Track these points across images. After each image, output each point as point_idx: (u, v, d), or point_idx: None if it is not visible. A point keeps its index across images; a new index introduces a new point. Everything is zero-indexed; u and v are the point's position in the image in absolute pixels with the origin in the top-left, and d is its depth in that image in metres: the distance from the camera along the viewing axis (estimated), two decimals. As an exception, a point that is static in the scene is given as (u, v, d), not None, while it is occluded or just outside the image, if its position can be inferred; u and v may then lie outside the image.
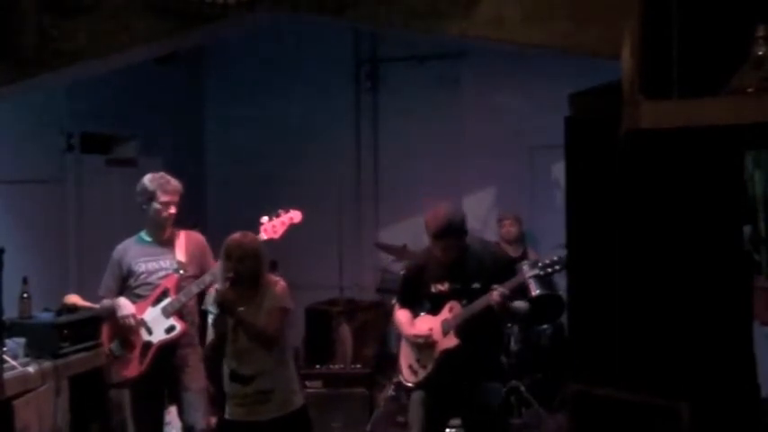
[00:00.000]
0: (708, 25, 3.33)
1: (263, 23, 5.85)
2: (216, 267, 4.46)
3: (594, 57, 4.46)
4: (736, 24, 3.23)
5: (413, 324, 4.38)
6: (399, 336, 4.65)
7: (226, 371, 3.99)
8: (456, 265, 4.21)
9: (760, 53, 3.05)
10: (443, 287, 4.24)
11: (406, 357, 4.43)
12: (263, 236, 4.34)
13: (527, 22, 4.57)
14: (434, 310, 4.30)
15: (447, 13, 4.71)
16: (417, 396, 4.32)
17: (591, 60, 4.55)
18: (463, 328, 4.14)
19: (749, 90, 3.04)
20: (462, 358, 4.16)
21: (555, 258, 4.18)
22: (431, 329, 4.25)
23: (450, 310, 4.20)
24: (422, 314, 4.40)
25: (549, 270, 4.19)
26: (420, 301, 4.42)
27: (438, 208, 4.20)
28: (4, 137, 6.14)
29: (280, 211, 4.47)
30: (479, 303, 4.10)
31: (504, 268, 4.22)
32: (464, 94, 7.71)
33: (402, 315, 4.44)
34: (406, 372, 4.41)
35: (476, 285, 4.15)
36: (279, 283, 4.00)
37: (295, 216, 4.48)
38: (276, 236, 4.39)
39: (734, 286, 3.79)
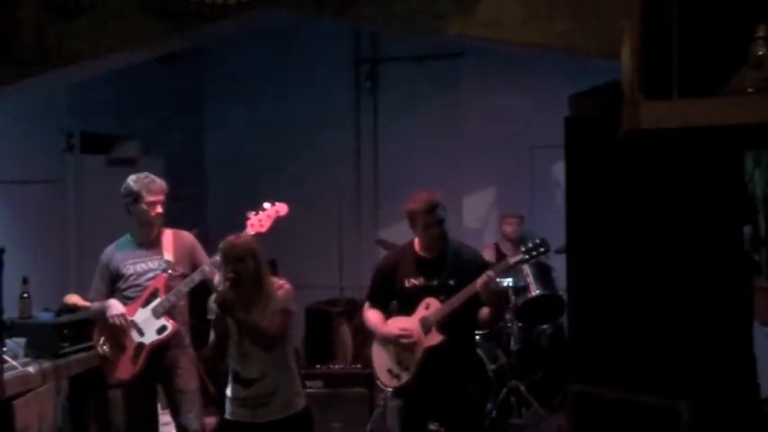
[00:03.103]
0: (708, 25, 3.34)
1: (263, 24, 5.85)
2: (205, 265, 4.46)
3: (594, 57, 4.46)
4: (736, 24, 3.24)
5: (386, 324, 4.22)
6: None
7: (229, 372, 3.98)
8: (433, 260, 4.13)
9: (760, 53, 3.05)
10: (417, 281, 4.13)
11: (381, 361, 4.23)
12: (250, 231, 4.30)
13: (527, 23, 4.57)
14: (406, 310, 4.17)
15: (447, 14, 4.71)
16: (396, 404, 4.20)
17: (591, 60, 4.56)
18: (445, 324, 4.04)
19: (749, 90, 3.05)
20: (445, 356, 4.04)
21: (537, 241, 4.13)
22: (408, 329, 4.11)
23: (427, 307, 4.08)
24: (396, 316, 4.24)
25: (534, 253, 4.13)
26: (390, 299, 4.29)
27: (413, 195, 4.18)
28: (4, 137, 6.13)
29: (265, 204, 4.42)
30: (461, 296, 3.99)
31: (479, 268, 4.12)
32: (464, 94, 7.71)
33: (373, 315, 4.27)
34: (384, 377, 4.21)
35: (451, 282, 4.06)
36: (283, 286, 3.98)
37: (281, 209, 4.42)
38: (263, 230, 4.35)
39: (734, 286, 3.79)
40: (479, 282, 3.96)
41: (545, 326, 6.46)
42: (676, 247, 3.86)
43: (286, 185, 7.69)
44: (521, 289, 6.22)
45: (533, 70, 6.87)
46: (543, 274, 6.27)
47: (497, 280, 4.15)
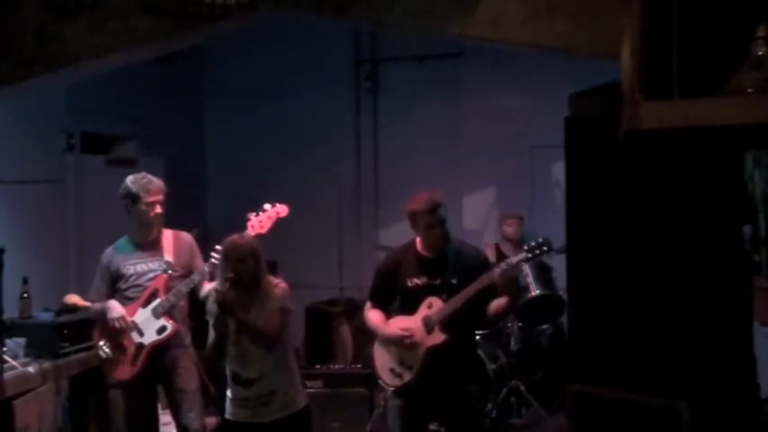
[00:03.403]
0: (708, 25, 3.34)
1: (263, 24, 5.85)
2: (205, 266, 4.47)
3: (594, 57, 4.46)
4: (736, 24, 3.24)
5: (388, 324, 4.21)
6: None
7: (228, 373, 3.98)
8: (435, 259, 4.13)
9: (760, 53, 3.06)
10: (420, 281, 4.12)
11: (383, 361, 4.23)
12: (251, 232, 4.30)
13: (527, 22, 4.57)
14: (408, 309, 4.16)
15: (447, 13, 4.71)
16: (396, 404, 4.20)
17: (591, 60, 4.56)
18: (447, 324, 4.04)
19: (749, 90, 3.05)
20: (447, 356, 4.04)
21: (540, 240, 4.13)
22: (410, 329, 4.11)
23: (430, 306, 4.08)
24: (398, 316, 4.23)
25: (537, 252, 4.13)
26: (392, 299, 4.28)
27: (414, 196, 4.17)
28: (4, 137, 6.14)
29: (265, 205, 4.42)
30: (464, 295, 3.99)
31: (481, 266, 4.11)
32: (464, 94, 7.71)
33: (375, 315, 4.27)
34: (386, 376, 4.21)
35: (454, 281, 4.06)
36: (279, 284, 3.99)
37: (281, 210, 4.42)
38: (263, 231, 4.34)
39: (734, 286, 3.79)
40: (497, 271, 3.97)
41: (545, 326, 6.45)
42: (676, 247, 3.86)
43: (286, 185, 7.69)
44: (521, 289, 6.22)
45: (533, 70, 6.87)
46: (543, 274, 6.27)
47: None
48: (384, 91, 8.15)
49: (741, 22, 3.20)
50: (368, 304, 4.36)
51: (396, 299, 4.28)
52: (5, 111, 6.01)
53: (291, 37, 7.91)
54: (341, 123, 8.22)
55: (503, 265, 4.02)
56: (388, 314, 4.28)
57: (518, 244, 6.77)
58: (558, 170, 5.63)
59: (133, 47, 5.19)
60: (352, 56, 8.23)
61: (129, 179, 4.59)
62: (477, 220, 7.56)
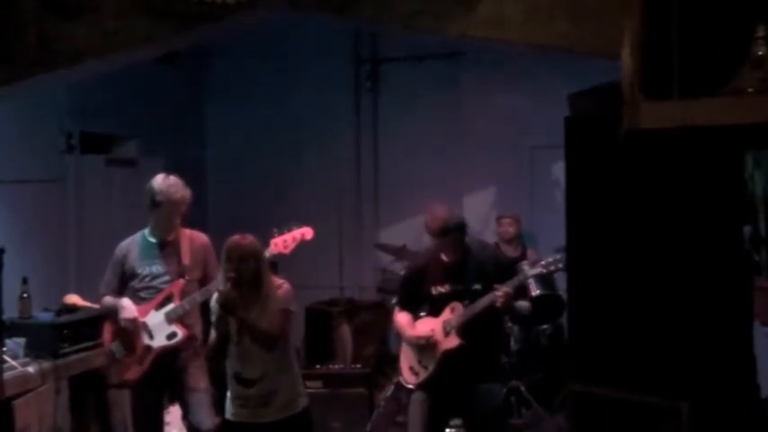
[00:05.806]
0: (708, 25, 3.34)
1: (263, 23, 5.85)
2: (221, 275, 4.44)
3: (594, 57, 4.47)
4: (736, 24, 3.24)
5: (413, 326, 4.42)
6: (400, 337, 4.67)
7: (230, 372, 3.98)
8: (457, 266, 4.26)
9: (760, 53, 3.06)
10: (444, 289, 4.29)
11: (406, 359, 4.47)
12: (273, 250, 4.25)
13: (527, 22, 4.58)
14: (435, 312, 4.34)
15: (447, 13, 4.72)
16: (418, 396, 4.35)
17: (591, 60, 4.56)
18: (465, 329, 4.18)
19: (749, 90, 3.05)
20: (464, 358, 4.19)
21: (557, 257, 4.21)
22: (432, 330, 4.29)
23: (452, 310, 4.24)
24: (422, 315, 4.43)
25: (552, 269, 4.24)
26: (420, 304, 4.45)
27: (435, 208, 4.31)
28: (4, 137, 6.13)
29: (292, 225, 4.37)
30: (482, 303, 4.14)
31: (504, 269, 4.28)
32: (464, 94, 7.70)
33: (402, 317, 4.48)
34: (406, 373, 4.45)
35: (476, 287, 4.20)
36: (283, 285, 3.99)
37: (306, 233, 4.35)
38: (287, 252, 4.29)
39: (734, 286, 3.79)
40: (497, 296, 4.07)
41: (545, 326, 6.45)
42: (676, 247, 3.87)
43: (286, 185, 7.70)
44: (521, 289, 6.21)
45: (533, 70, 6.86)
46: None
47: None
48: (384, 91, 8.15)
49: (741, 22, 3.20)
50: (396, 308, 4.57)
51: (424, 303, 4.44)
52: (5, 111, 6.00)
53: (291, 37, 7.90)
54: (341, 123, 8.21)
55: (501, 294, 4.08)
56: (417, 316, 4.46)
57: (516, 244, 6.79)
58: (558, 170, 5.63)
59: (133, 47, 5.19)
60: (352, 56, 8.22)
61: (159, 180, 4.49)
62: (477, 219, 7.55)
